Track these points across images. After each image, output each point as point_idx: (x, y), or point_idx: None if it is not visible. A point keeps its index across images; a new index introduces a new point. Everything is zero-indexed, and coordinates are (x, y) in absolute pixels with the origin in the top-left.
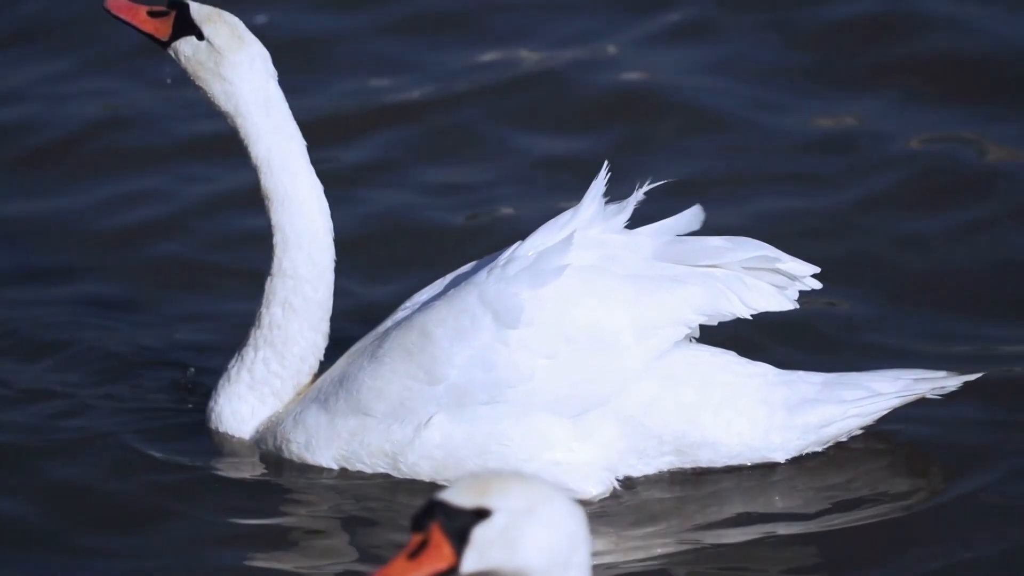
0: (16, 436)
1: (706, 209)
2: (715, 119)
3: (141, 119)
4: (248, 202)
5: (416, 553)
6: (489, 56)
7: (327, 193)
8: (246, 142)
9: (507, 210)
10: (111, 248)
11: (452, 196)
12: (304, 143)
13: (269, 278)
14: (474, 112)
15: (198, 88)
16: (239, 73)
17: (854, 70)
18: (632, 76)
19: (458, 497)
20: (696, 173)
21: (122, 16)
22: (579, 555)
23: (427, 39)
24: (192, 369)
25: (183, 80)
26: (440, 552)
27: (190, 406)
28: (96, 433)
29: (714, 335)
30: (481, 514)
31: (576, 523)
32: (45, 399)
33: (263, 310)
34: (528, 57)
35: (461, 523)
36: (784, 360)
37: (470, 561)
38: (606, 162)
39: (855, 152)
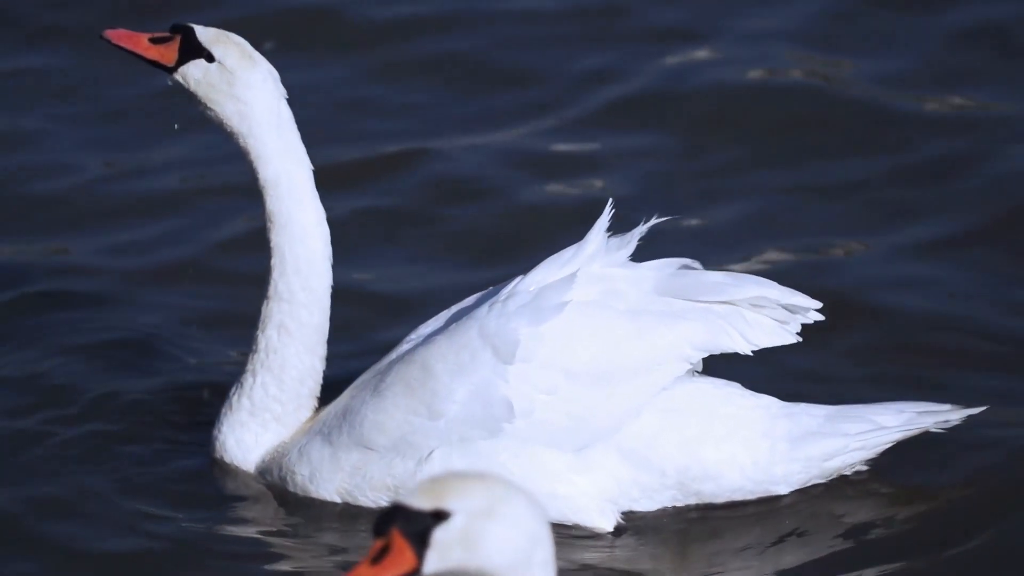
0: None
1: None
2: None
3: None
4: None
5: (379, 558)
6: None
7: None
8: (255, 163)
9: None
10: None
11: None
12: (311, 167)
13: (265, 301)
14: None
15: (207, 111)
16: (253, 93)
17: None
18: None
19: (416, 500)
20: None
21: (123, 45)
22: (541, 553)
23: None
24: (206, 392)
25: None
26: (402, 556)
27: (191, 439)
28: (100, 465)
29: (720, 366)
30: (440, 516)
31: (536, 521)
32: (48, 410)
33: (259, 333)
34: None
35: (421, 526)
36: (790, 391)
37: (432, 563)
38: (611, 200)
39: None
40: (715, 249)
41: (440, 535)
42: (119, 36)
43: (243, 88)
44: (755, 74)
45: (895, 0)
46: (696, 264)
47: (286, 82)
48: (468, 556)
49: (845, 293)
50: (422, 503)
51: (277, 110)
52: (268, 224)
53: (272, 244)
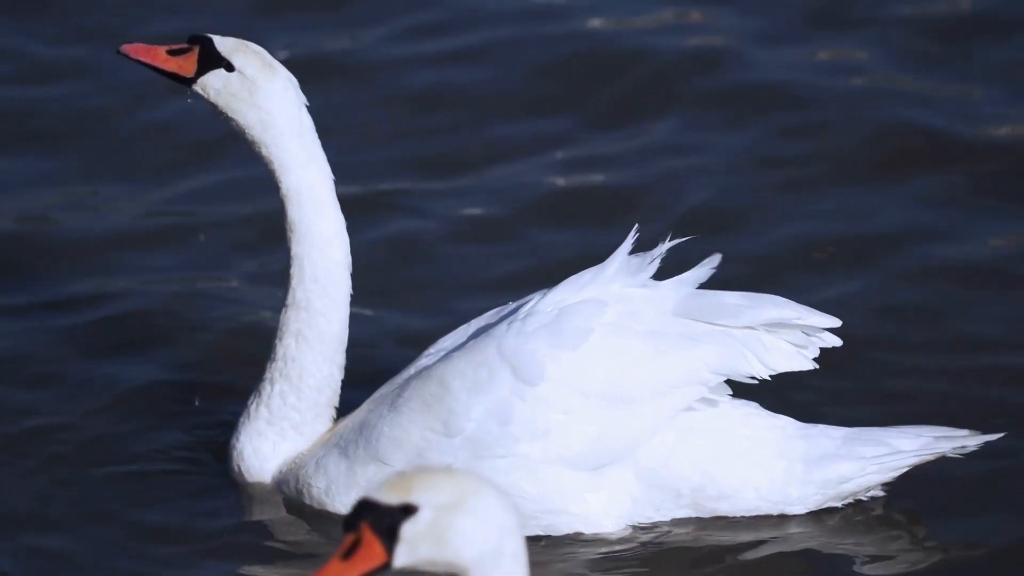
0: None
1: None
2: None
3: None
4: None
5: (349, 553)
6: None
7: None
8: (277, 172)
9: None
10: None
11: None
12: (332, 176)
13: (284, 309)
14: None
15: (228, 121)
16: (275, 101)
17: None
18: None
19: (385, 495)
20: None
21: (141, 58)
22: (511, 545)
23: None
24: (197, 401)
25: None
26: (371, 551)
27: (209, 452)
28: (115, 474)
29: (737, 385)
30: (408, 510)
31: (504, 513)
32: (62, 435)
33: (277, 342)
34: None
35: (390, 520)
36: (807, 411)
37: (401, 557)
38: (636, 225)
39: None
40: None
41: (409, 529)
42: (136, 50)
43: (264, 97)
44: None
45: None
46: (717, 259)
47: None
48: (437, 549)
49: (863, 313)
50: (390, 498)
51: (299, 118)
52: (288, 233)
53: (292, 252)
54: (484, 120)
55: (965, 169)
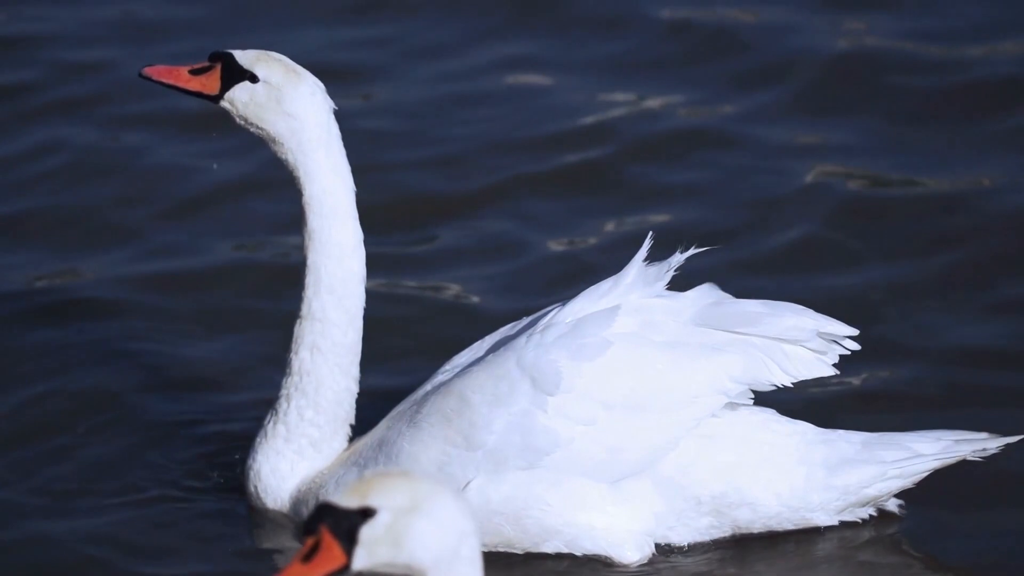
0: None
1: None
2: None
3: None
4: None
5: (309, 556)
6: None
7: None
8: (302, 180)
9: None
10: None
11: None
12: (353, 188)
13: (298, 321)
14: None
15: (258, 132)
16: (303, 106)
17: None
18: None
19: (344, 499)
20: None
21: (164, 80)
22: (466, 548)
23: None
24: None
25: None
26: (331, 553)
27: (220, 476)
28: (132, 499)
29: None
30: (367, 513)
31: (461, 517)
32: (64, 454)
33: (292, 356)
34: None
35: (348, 524)
36: (825, 417)
37: (360, 559)
38: (650, 232)
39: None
40: (761, 274)
41: (367, 532)
42: (159, 72)
43: (292, 103)
44: None
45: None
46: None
47: None
48: (395, 552)
49: (882, 321)
50: (349, 501)
51: (327, 125)
52: (306, 242)
53: (308, 262)
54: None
55: None
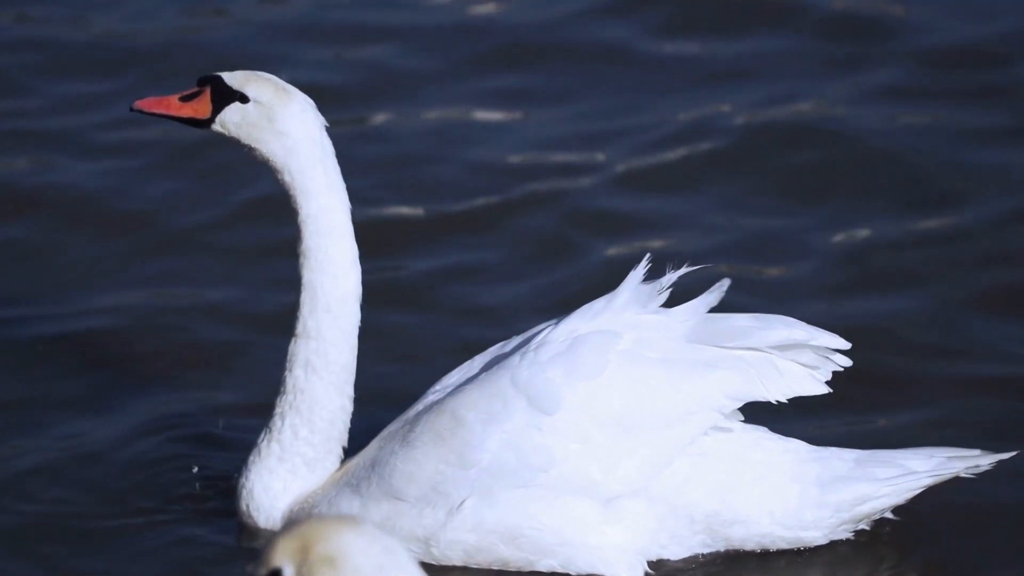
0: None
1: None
2: None
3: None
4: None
5: None
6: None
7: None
8: (298, 199)
9: None
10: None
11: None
12: (349, 205)
13: (293, 339)
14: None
15: (250, 153)
16: (294, 124)
17: None
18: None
19: (256, 568)
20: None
21: (155, 111)
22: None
23: None
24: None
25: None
26: None
27: (212, 494)
28: (118, 513)
29: (745, 408)
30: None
31: (382, 553)
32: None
33: (286, 374)
34: None
35: None
36: (816, 433)
37: None
38: (647, 254)
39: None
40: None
41: None
42: (149, 104)
43: (284, 121)
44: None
45: None
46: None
47: None
48: None
49: (872, 332)
50: (260, 570)
51: (320, 142)
52: (302, 260)
53: (304, 280)
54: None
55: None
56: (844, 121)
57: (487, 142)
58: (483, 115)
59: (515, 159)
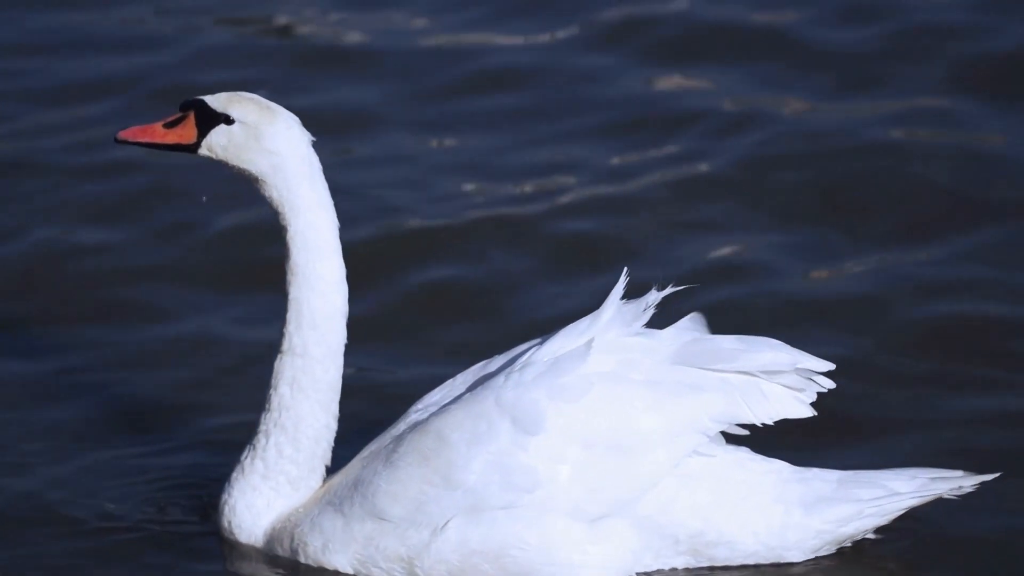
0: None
1: None
2: None
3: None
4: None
5: None
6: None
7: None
8: (287, 216)
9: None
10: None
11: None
12: (337, 223)
13: (279, 356)
14: None
15: (239, 173)
16: (281, 141)
17: None
18: None
19: None
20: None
21: (139, 140)
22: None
23: None
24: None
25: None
26: None
27: (191, 508)
28: (111, 542)
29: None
30: None
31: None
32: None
33: (271, 391)
34: None
35: None
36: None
37: None
38: (625, 268)
39: None
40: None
41: None
42: (133, 133)
43: (271, 139)
44: None
45: None
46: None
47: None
48: None
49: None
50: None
51: (308, 158)
52: (289, 276)
53: (290, 297)
54: None
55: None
56: (822, 144)
57: (448, 168)
58: (443, 142)
59: (475, 186)
